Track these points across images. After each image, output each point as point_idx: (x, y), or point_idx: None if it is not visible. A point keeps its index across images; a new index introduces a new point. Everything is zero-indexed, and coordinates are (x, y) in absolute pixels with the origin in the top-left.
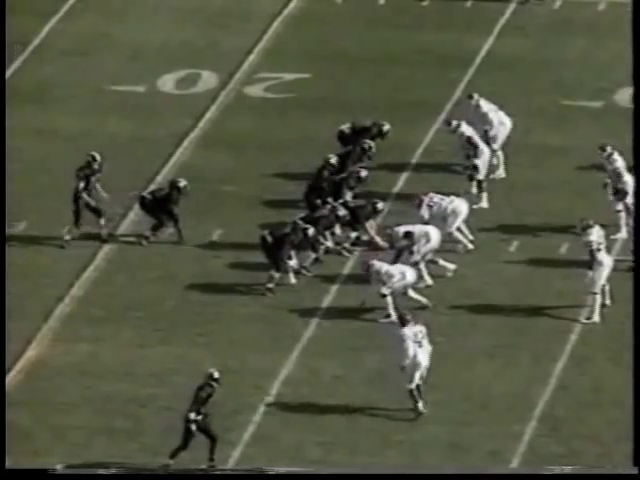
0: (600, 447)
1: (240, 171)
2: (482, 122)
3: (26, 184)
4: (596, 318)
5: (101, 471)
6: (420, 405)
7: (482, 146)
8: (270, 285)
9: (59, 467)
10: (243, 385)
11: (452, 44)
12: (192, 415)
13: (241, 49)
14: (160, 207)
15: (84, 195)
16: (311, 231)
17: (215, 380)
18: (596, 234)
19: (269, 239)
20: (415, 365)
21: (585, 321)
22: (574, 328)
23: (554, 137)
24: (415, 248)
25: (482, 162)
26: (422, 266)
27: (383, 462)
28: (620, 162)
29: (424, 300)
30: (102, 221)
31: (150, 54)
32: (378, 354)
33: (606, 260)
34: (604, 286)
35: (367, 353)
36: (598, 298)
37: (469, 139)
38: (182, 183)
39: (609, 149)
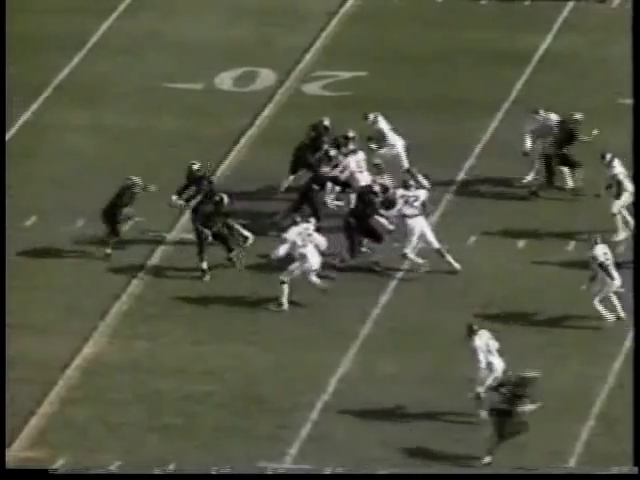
0: None
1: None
2: (548, 133)
3: (83, 182)
4: (621, 313)
5: (156, 470)
6: (482, 413)
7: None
8: (342, 264)
9: (115, 464)
10: (299, 383)
11: (510, 42)
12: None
13: (299, 47)
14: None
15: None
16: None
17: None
18: (601, 249)
19: (353, 223)
20: (491, 372)
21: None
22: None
23: (613, 136)
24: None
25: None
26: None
27: (438, 461)
28: (619, 168)
29: (323, 285)
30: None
31: (208, 52)
32: (434, 353)
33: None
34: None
35: (423, 351)
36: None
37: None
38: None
39: (609, 156)
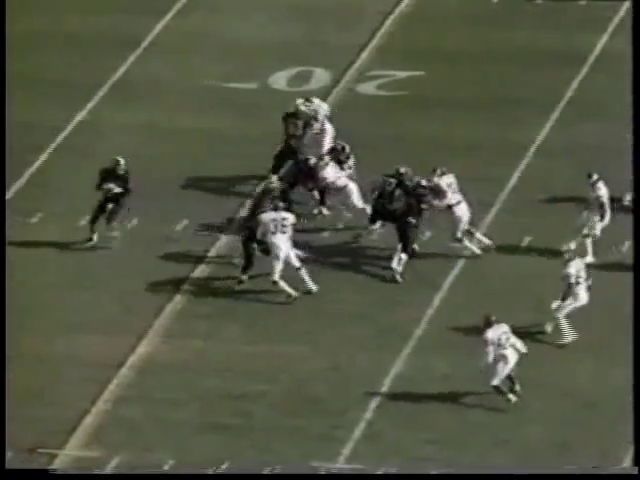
0: None
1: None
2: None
3: (137, 182)
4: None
5: (209, 470)
6: (511, 396)
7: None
8: (400, 269)
9: (169, 464)
10: (352, 383)
11: (565, 42)
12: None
13: (354, 46)
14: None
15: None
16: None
17: None
18: (575, 267)
19: (412, 221)
20: (503, 365)
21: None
22: None
23: None
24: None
25: None
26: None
27: (491, 461)
28: (604, 191)
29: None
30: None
31: (262, 51)
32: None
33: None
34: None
35: (477, 351)
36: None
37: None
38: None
39: (595, 177)
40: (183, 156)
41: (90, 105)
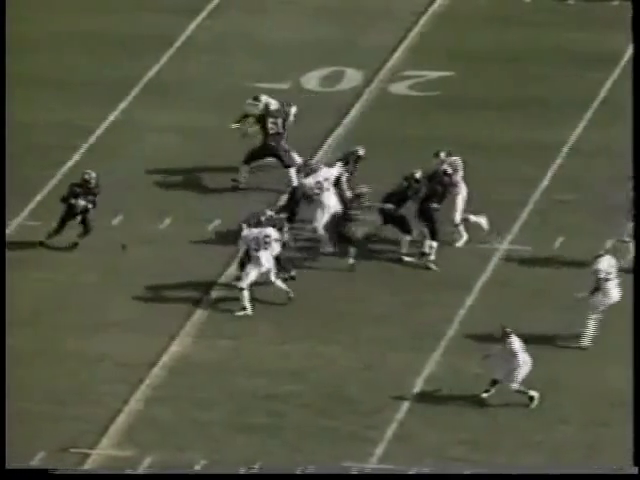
0: None
1: (380, 169)
2: None
3: (170, 181)
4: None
5: (241, 469)
6: (533, 392)
7: None
8: (432, 256)
9: (201, 464)
10: (385, 383)
11: (598, 43)
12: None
13: (386, 47)
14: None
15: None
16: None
17: None
18: (605, 263)
19: (437, 207)
20: (526, 369)
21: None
22: None
23: None
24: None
25: None
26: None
27: (523, 462)
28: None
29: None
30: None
31: (294, 51)
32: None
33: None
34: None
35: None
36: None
37: None
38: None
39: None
40: (215, 156)
41: (123, 105)
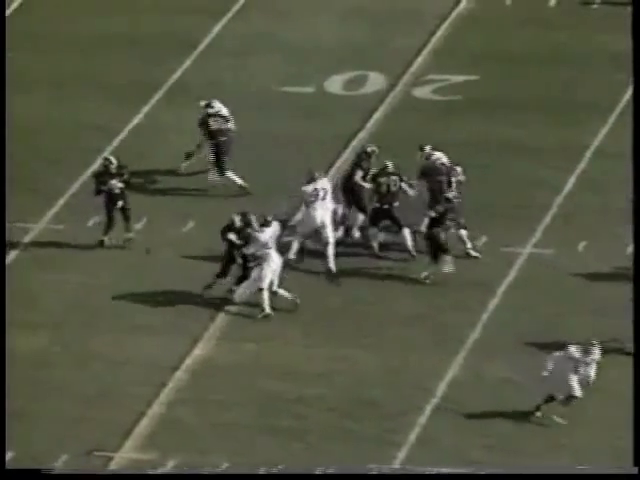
0: None
1: (403, 173)
2: None
3: (194, 184)
4: None
5: (262, 470)
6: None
7: None
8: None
9: (224, 466)
10: (408, 386)
11: (621, 46)
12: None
13: (409, 50)
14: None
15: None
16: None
17: None
18: None
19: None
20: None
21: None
22: None
23: None
24: None
25: None
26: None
27: (547, 465)
28: None
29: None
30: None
31: (318, 55)
32: (544, 357)
33: None
34: None
35: (533, 355)
36: None
37: None
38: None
39: None
40: (239, 159)
41: (147, 108)
